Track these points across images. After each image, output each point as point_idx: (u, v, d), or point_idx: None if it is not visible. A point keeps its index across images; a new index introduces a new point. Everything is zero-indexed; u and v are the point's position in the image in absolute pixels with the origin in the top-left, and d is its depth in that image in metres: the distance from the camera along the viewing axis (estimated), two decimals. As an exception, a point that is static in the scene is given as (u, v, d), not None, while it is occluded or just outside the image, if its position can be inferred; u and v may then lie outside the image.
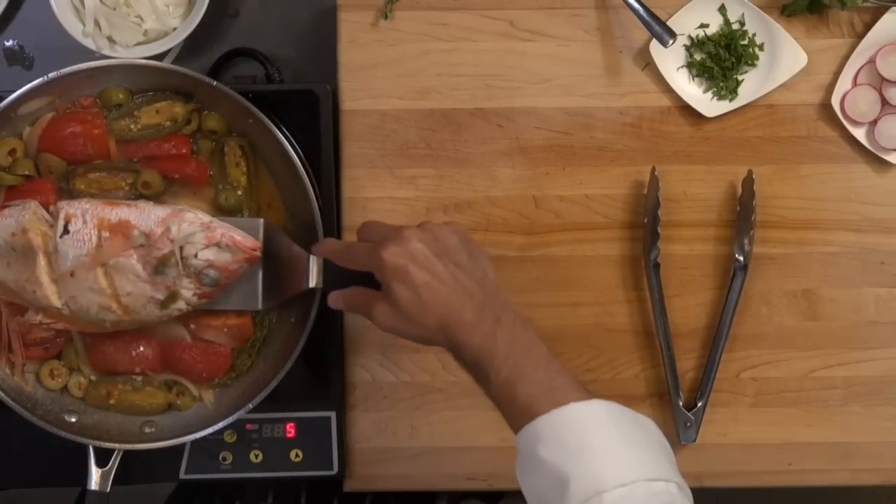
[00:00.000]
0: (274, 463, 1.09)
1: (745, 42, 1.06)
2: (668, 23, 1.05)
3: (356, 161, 1.08)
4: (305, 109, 1.07)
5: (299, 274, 0.94)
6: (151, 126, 1.03)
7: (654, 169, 1.06)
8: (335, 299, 0.90)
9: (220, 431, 1.05)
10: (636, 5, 1.03)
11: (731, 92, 1.07)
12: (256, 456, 1.09)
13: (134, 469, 1.08)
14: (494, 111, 1.07)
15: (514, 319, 0.83)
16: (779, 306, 1.09)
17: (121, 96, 1.03)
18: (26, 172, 1.02)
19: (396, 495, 1.19)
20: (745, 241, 1.06)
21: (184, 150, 1.04)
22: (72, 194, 1.03)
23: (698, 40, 1.07)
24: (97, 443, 1.02)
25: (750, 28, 1.07)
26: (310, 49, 1.16)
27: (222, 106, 1.03)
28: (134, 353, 1.04)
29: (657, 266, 1.06)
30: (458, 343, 0.81)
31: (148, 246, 0.92)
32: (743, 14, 1.07)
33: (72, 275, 0.93)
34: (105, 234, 0.92)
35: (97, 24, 1.08)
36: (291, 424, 1.09)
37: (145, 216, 0.93)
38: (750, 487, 1.10)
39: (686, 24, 1.07)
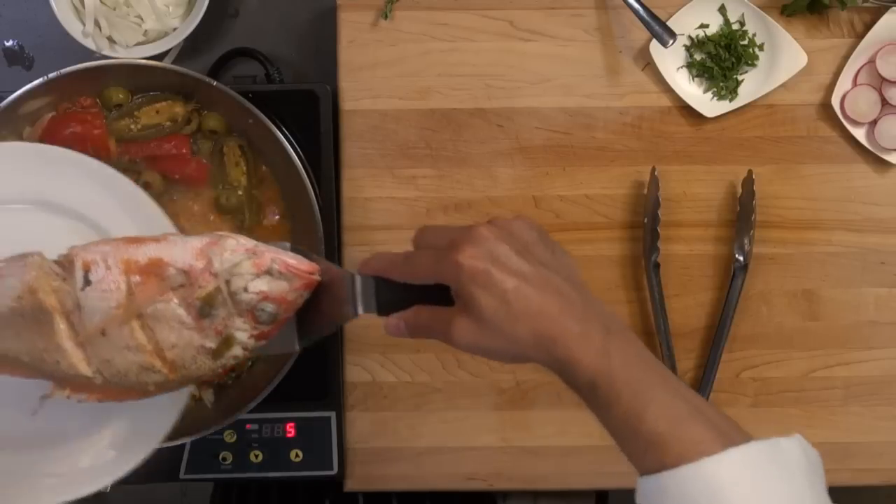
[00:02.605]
0: (274, 463, 1.09)
1: (745, 42, 1.06)
2: (668, 23, 1.05)
3: (356, 161, 1.08)
4: (305, 109, 1.07)
5: (341, 300, 0.76)
6: (151, 126, 1.04)
7: (654, 169, 1.06)
8: (395, 326, 0.74)
9: (220, 431, 1.05)
10: (636, 5, 1.03)
11: (731, 92, 1.07)
12: (256, 456, 1.09)
13: (134, 469, 1.08)
14: (494, 111, 1.07)
15: (621, 329, 0.69)
16: (779, 306, 1.09)
17: (121, 96, 1.03)
18: (26, 172, 1.02)
19: (399, 495, 1.18)
20: (745, 241, 1.06)
21: (184, 151, 1.04)
22: (72, 194, 1.03)
23: (698, 40, 1.07)
24: (97, 443, 1.02)
25: (750, 28, 1.07)
26: (310, 49, 1.16)
27: (222, 106, 1.03)
28: (134, 353, 1.04)
29: (657, 266, 1.06)
30: (565, 360, 0.67)
31: (188, 285, 0.75)
32: (743, 14, 1.07)
33: (102, 334, 0.75)
34: (135, 278, 0.75)
35: (97, 24, 1.08)
36: (291, 424, 1.10)
37: (179, 250, 0.76)
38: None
39: (686, 24, 1.07)
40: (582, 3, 1.07)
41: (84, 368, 0.76)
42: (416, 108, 1.07)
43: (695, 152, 1.08)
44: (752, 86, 1.07)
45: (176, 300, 0.75)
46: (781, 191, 1.08)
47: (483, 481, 1.11)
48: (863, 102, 1.06)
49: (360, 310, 0.75)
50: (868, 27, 1.06)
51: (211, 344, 0.76)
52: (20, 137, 1.03)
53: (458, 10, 1.07)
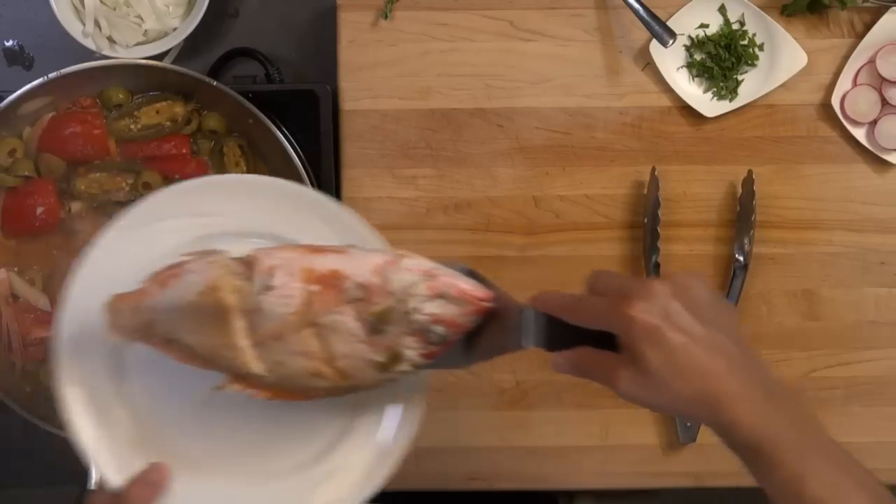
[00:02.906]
0: (274, 463, 1.09)
1: (745, 42, 1.06)
2: (668, 23, 1.05)
3: (356, 161, 1.08)
4: (305, 109, 1.07)
5: (509, 329, 0.77)
6: (151, 126, 1.04)
7: (654, 169, 1.06)
8: (562, 363, 0.75)
9: (220, 431, 1.05)
10: (636, 5, 1.03)
11: (731, 92, 1.07)
12: (256, 456, 1.09)
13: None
14: (494, 111, 1.07)
15: (785, 391, 0.70)
16: (779, 306, 1.09)
17: (121, 96, 1.04)
18: (26, 173, 1.03)
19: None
20: (745, 241, 1.06)
21: (184, 150, 1.04)
22: (72, 194, 1.03)
23: (698, 40, 1.07)
24: (97, 443, 1.02)
25: (750, 28, 1.07)
26: (310, 49, 1.16)
27: (222, 106, 1.04)
28: (134, 353, 1.04)
29: (657, 266, 1.06)
30: (728, 422, 0.68)
31: (363, 300, 0.76)
32: (743, 14, 1.07)
33: (277, 337, 0.77)
34: (314, 287, 0.76)
35: (97, 24, 1.08)
36: (291, 424, 1.09)
37: (358, 264, 0.77)
38: (750, 487, 1.10)
39: (686, 24, 1.07)
40: (582, 3, 1.07)
41: (257, 367, 0.77)
42: (416, 108, 1.07)
43: (695, 152, 1.08)
44: (752, 86, 1.07)
45: (350, 313, 0.76)
46: (781, 191, 1.08)
47: (483, 481, 1.11)
48: (863, 102, 1.06)
49: (527, 343, 0.76)
50: (868, 27, 1.06)
51: (380, 358, 0.77)
52: (20, 137, 1.03)
53: (458, 10, 1.07)
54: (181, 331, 0.78)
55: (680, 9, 1.06)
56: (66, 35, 1.08)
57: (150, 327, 0.78)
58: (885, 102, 1.06)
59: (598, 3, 1.07)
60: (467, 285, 0.76)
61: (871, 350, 1.10)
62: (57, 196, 1.03)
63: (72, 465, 1.05)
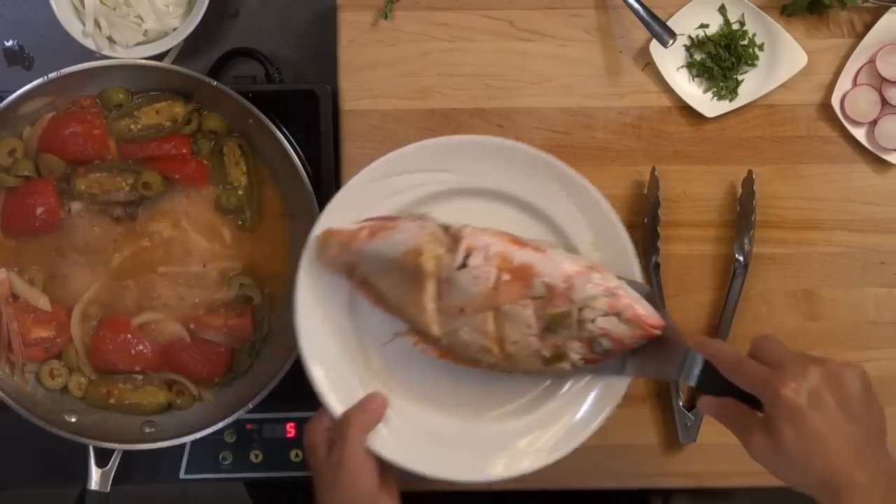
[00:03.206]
0: (274, 463, 1.09)
1: (745, 42, 1.06)
2: (668, 23, 1.05)
3: (356, 161, 1.07)
4: (305, 109, 1.07)
5: (669, 360, 0.85)
6: (151, 126, 1.04)
7: (654, 169, 1.06)
8: (708, 406, 0.83)
9: (220, 431, 1.05)
10: (636, 5, 1.03)
11: (731, 92, 1.07)
12: (256, 456, 1.09)
13: (134, 469, 1.08)
14: (494, 111, 1.07)
15: None
16: (779, 306, 1.09)
17: (121, 96, 1.04)
18: (26, 173, 1.03)
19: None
20: (745, 241, 1.06)
21: (184, 151, 1.04)
22: (72, 194, 1.03)
23: (698, 40, 1.07)
24: (97, 443, 1.03)
25: (750, 28, 1.07)
26: (310, 49, 1.16)
27: (222, 106, 1.04)
28: (133, 351, 1.04)
29: (657, 266, 1.06)
30: None
31: (545, 299, 0.85)
32: (743, 14, 1.07)
33: (460, 311, 0.86)
34: (505, 276, 0.85)
35: (97, 24, 1.08)
36: (291, 424, 1.10)
37: (551, 266, 0.85)
38: (750, 487, 1.10)
39: (686, 24, 1.07)
40: (582, 3, 1.07)
41: (435, 330, 0.87)
42: (416, 108, 1.07)
43: (695, 152, 1.08)
44: (752, 86, 1.07)
45: (531, 308, 0.85)
46: (781, 191, 1.08)
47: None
48: (863, 102, 1.06)
49: (687, 381, 0.84)
50: (868, 27, 1.06)
51: (546, 353, 0.86)
52: (20, 137, 1.03)
53: (458, 10, 1.07)
54: (378, 278, 0.88)
55: (680, 9, 1.06)
56: (66, 35, 1.08)
57: (352, 267, 0.89)
58: (885, 102, 1.06)
59: (598, 3, 1.07)
60: (644, 311, 0.84)
61: (871, 350, 1.10)
62: (57, 196, 1.03)
63: (72, 466, 1.05)
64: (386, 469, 0.91)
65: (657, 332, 0.85)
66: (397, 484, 0.92)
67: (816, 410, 0.75)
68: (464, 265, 0.85)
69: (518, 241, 0.87)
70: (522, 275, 0.85)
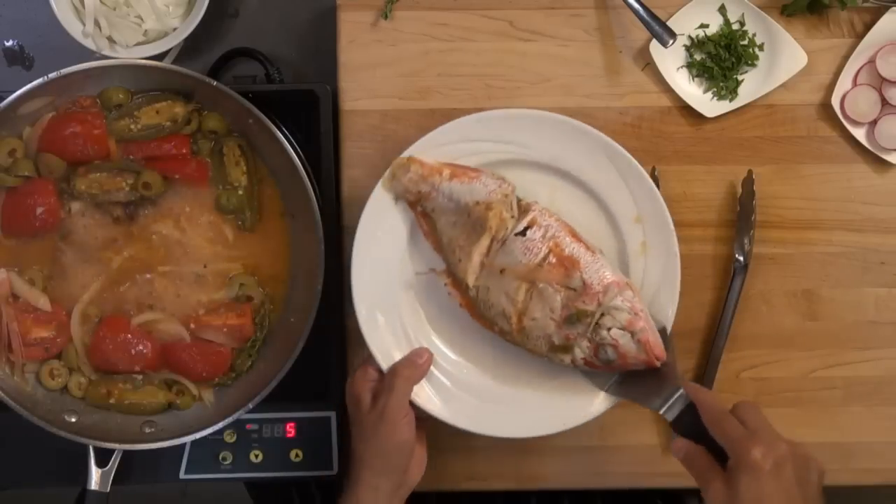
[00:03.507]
0: (274, 463, 1.09)
1: (745, 42, 1.06)
2: (668, 23, 1.05)
3: (356, 161, 1.08)
4: (305, 109, 1.07)
5: (657, 392, 0.92)
6: (151, 126, 1.04)
7: (654, 169, 1.06)
8: (679, 449, 0.89)
9: (220, 431, 1.05)
10: (636, 5, 1.03)
11: (731, 92, 1.07)
12: (256, 456, 1.09)
13: (134, 469, 1.08)
14: (494, 111, 1.07)
15: None
16: (779, 306, 1.09)
17: (121, 96, 1.04)
18: (26, 173, 1.03)
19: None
20: (745, 241, 1.06)
21: (184, 151, 1.04)
22: (72, 194, 1.03)
23: (698, 40, 1.07)
24: (97, 443, 1.02)
25: (750, 28, 1.07)
26: (310, 49, 1.16)
27: (222, 106, 1.04)
28: (133, 351, 1.04)
29: (657, 266, 1.06)
30: None
31: (577, 293, 0.91)
32: (743, 14, 1.07)
33: (501, 272, 0.93)
34: (552, 258, 0.92)
35: (97, 24, 1.08)
36: (291, 424, 1.09)
37: (594, 268, 0.92)
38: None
39: (686, 24, 1.07)
40: (582, 3, 1.07)
41: (471, 280, 0.94)
42: (416, 108, 1.07)
43: (695, 152, 1.08)
44: (752, 86, 1.07)
45: (561, 295, 0.92)
46: (781, 191, 1.08)
47: (483, 481, 1.11)
48: (863, 102, 1.06)
49: (667, 416, 0.91)
50: (868, 27, 1.06)
51: (556, 341, 0.93)
52: (20, 137, 1.03)
53: (458, 10, 1.07)
54: (441, 214, 0.95)
55: (680, 9, 1.06)
56: (66, 35, 1.08)
57: (420, 198, 0.95)
58: (885, 102, 1.06)
59: (598, 3, 1.07)
60: (654, 340, 0.91)
61: (871, 350, 1.10)
62: (57, 196, 1.03)
63: (72, 466, 1.05)
64: (420, 425, 0.96)
65: (657, 363, 0.91)
66: (426, 441, 0.99)
67: (776, 478, 0.81)
68: (522, 234, 0.92)
69: (575, 235, 0.93)
70: (567, 264, 0.91)
